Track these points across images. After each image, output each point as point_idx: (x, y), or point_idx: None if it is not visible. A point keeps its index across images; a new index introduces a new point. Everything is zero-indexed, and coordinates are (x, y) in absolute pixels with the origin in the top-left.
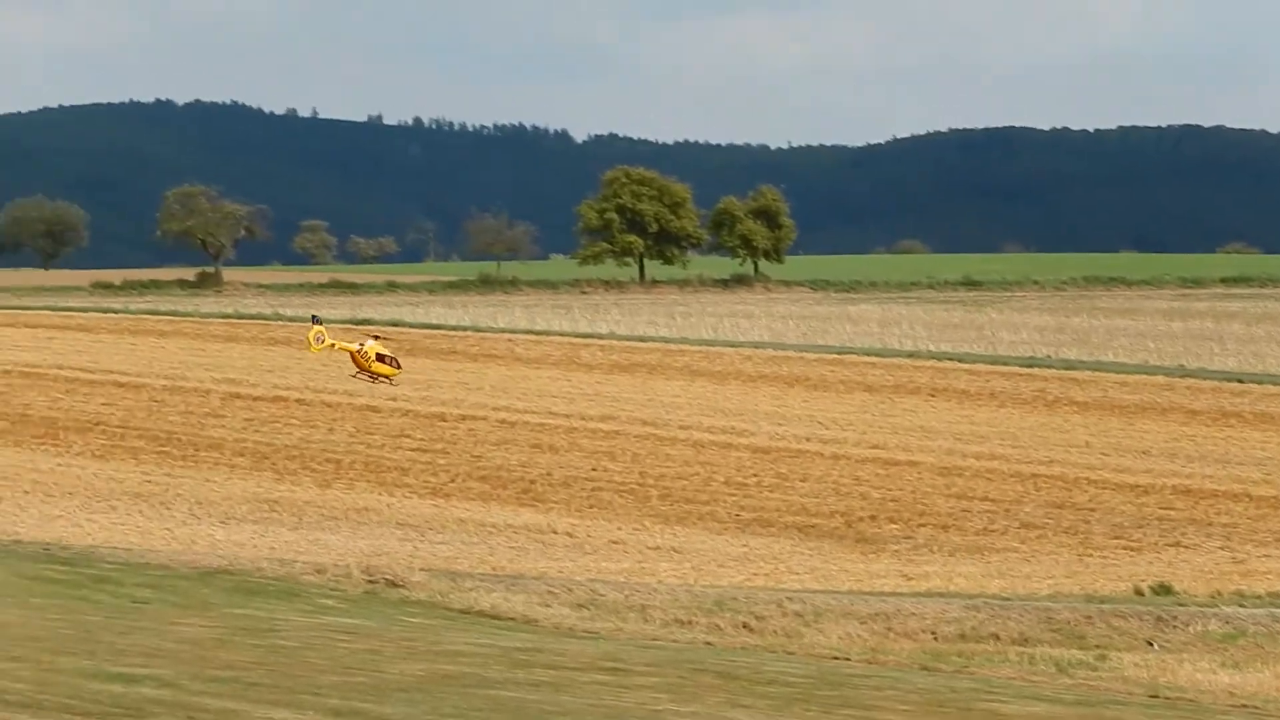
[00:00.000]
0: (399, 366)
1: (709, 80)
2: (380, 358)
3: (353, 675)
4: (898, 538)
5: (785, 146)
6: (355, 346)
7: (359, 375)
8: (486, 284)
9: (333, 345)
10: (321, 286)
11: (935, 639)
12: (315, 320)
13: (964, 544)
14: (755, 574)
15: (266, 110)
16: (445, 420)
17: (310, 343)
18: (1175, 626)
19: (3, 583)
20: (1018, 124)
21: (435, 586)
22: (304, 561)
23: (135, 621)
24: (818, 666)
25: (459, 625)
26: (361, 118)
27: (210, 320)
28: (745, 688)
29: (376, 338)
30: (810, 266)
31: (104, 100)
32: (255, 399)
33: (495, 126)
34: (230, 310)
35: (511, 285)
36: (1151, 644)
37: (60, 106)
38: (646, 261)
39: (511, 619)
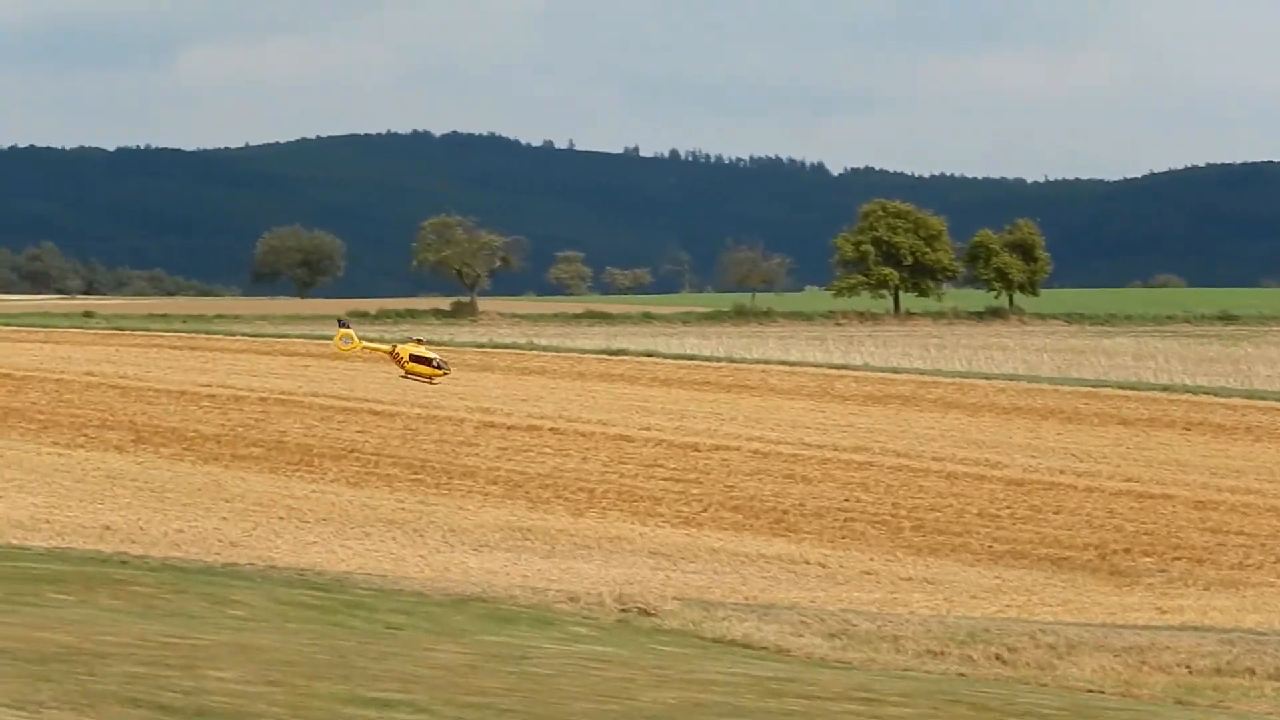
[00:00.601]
0: (440, 368)
1: (965, 114)
2: (415, 359)
3: (605, 703)
4: (1152, 570)
5: (1042, 180)
6: (388, 348)
7: (408, 377)
8: (741, 315)
9: (358, 346)
10: (576, 317)
11: (1190, 673)
12: (342, 324)
13: (1219, 578)
14: (1008, 606)
15: (523, 142)
16: (699, 450)
17: (338, 346)
18: None
19: (258, 608)
20: (1276, 159)
21: (688, 615)
22: (557, 589)
23: (389, 647)
24: (1071, 699)
25: (711, 654)
26: (618, 149)
27: (465, 349)
28: (998, 719)
29: (419, 341)
30: (1065, 300)
31: (361, 131)
32: (509, 428)
33: (751, 159)
34: (485, 339)
35: (766, 316)
36: None
37: (318, 137)
38: (901, 294)
39: (764, 648)
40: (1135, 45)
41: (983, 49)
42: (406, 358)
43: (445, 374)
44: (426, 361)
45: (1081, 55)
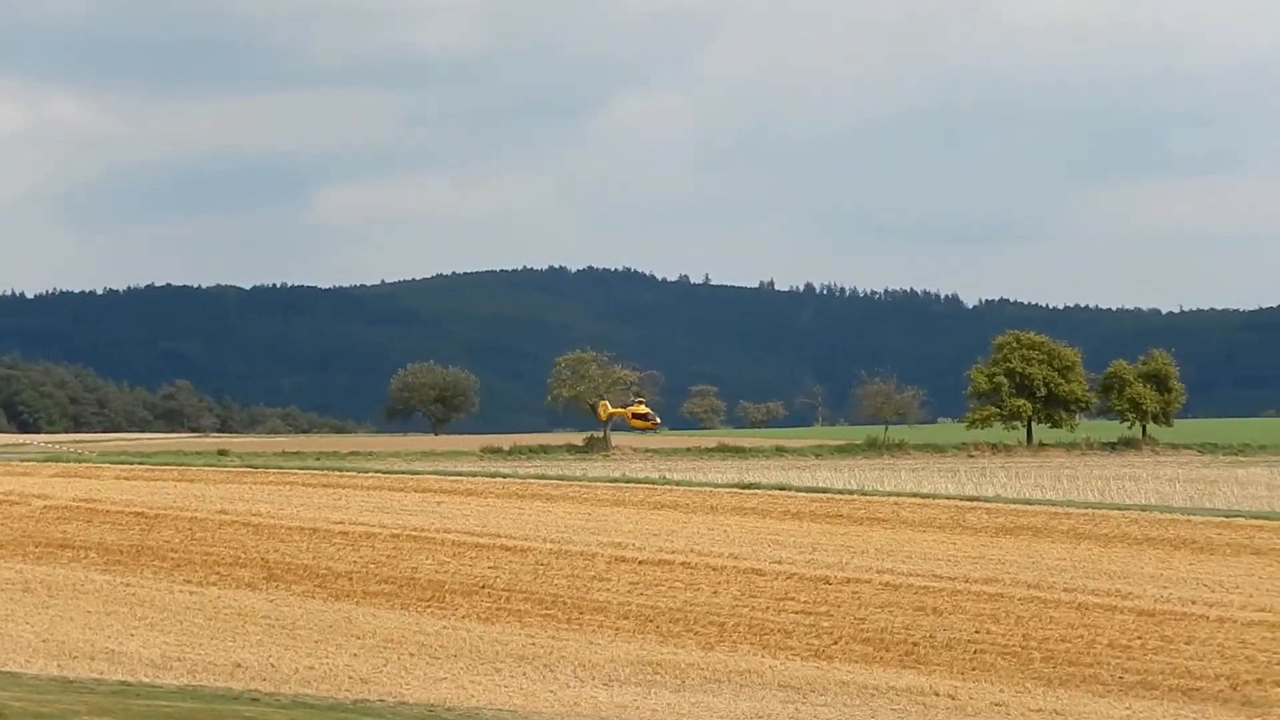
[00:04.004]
0: (656, 421)
1: (1100, 245)
2: (637, 416)
3: None
4: None
5: (1177, 310)
6: (622, 408)
7: (635, 431)
8: (873, 448)
9: (612, 411)
10: (708, 450)
11: None
12: (600, 397)
13: None
14: None
15: (659, 276)
16: (829, 583)
17: (600, 414)
18: None
19: None
20: None
21: None
22: None
23: None
24: None
25: None
26: (753, 283)
27: (597, 484)
28: None
29: (640, 400)
30: (1199, 429)
31: (498, 267)
32: (640, 562)
33: (886, 292)
34: (618, 474)
35: (899, 449)
36: None
37: (454, 274)
38: (1034, 425)
39: None
40: (1265, 176)
41: (1116, 182)
42: (630, 416)
43: (657, 424)
44: (646, 418)
45: (1217, 185)
